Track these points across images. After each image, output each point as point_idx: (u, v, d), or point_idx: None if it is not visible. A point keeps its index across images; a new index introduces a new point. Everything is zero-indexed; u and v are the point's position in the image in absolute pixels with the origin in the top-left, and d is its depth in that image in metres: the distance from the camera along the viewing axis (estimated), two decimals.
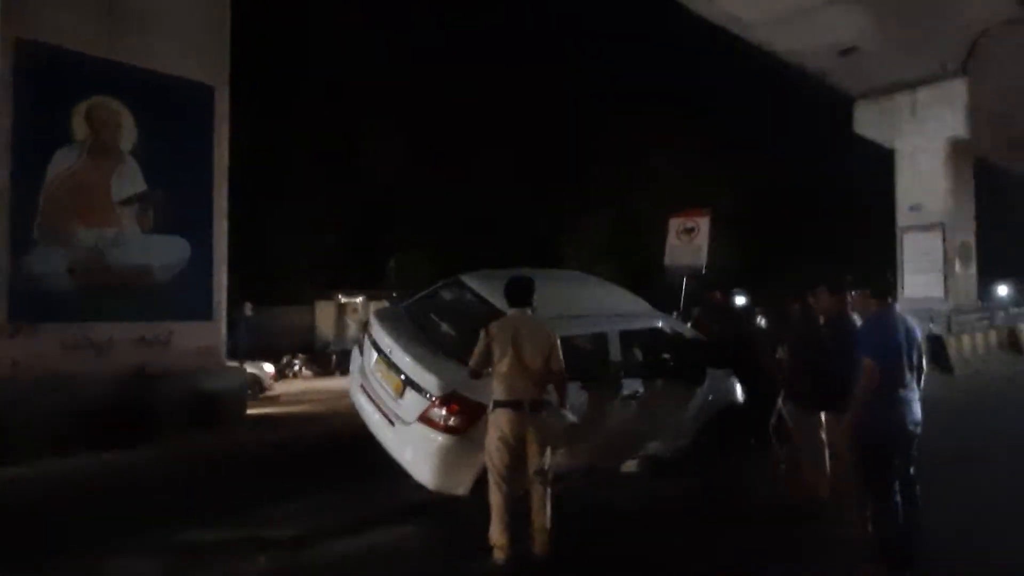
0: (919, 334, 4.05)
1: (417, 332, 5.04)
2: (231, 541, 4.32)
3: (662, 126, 28.02)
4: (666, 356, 5.66)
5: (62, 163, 7.26)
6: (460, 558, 4.17)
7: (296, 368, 18.29)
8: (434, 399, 4.29)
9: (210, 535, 4.41)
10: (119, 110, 7.59)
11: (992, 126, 18.46)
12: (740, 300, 17.37)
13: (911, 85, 18.37)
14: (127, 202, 7.67)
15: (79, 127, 7.37)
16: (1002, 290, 31.70)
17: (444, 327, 5.15)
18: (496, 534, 3.97)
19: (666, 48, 31.68)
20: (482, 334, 4.13)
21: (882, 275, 4.35)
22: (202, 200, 8.27)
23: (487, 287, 5.26)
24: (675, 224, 8.49)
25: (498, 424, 4.02)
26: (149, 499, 5.22)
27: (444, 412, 4.26)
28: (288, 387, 13.81)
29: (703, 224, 8.29)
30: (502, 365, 4.02)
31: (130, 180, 7.68)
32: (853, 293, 4.50)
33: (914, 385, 3.92)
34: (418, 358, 4.57)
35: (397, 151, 26.41)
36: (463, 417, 4.26)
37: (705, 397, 5.84)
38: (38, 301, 7.08)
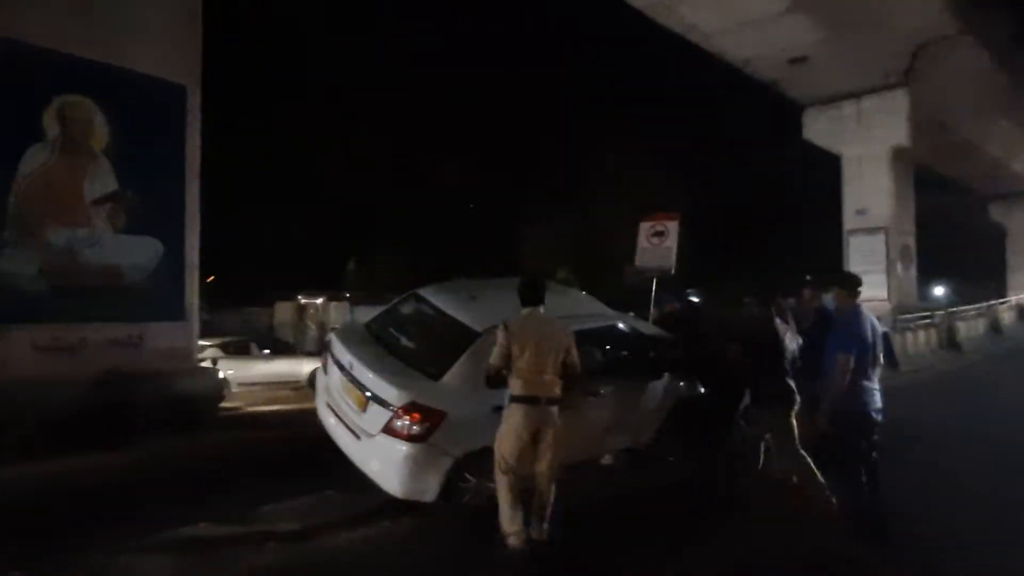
0: (880, 331, 4.44)
1: (377, 347, 5.19)
2: (235, 536, 4.39)
3: (620, 132, 28.63)
4: (623, 353, 5.87)
5: (33, 162, 7.16)
6: (465, 546, 4.35)
7: None
8: (396, 410, 4.42)
9: (213, 531, 4.47)
10: (91, 108, 7.52)
11: (931, 134, 19.46)
12: (693, 300, 17.87)
13: (856, 94, 19.21)
14: (99, 201, 7.59)
15: (51, 125, 7.27)
16: (938, 290, 33.42)
17: (403, 340, 5.30)
18: (506, 522, 4.11)
19: (626, 56, 32.31)
20: (500, 332, 4.22)
21: (855, 276, 4.71)
22: (174, 200, 8.24)
23: (443, 299, 5.46)
24: (645, 228, 8.80)
25: (514, 419, 4.13)
26: (139, 499, 5.22)
27: (406, 421, 4.38)
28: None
29: (672, 228, 8.64)
30: (520, 362, 4.12)
31: (102, 179, 7.61)
32: (828, 291, 4.85)
33: (875, 377, 4.30)
34: (378, 371, 4.71)
35: (359, 156, 26.31)
36: (425, 425, 4.40)
37: (665, 390, 6.03)
38: (9, 302, 6.98)
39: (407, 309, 5.79)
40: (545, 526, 4.18)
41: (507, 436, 4.15)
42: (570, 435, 5.11)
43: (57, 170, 7.32)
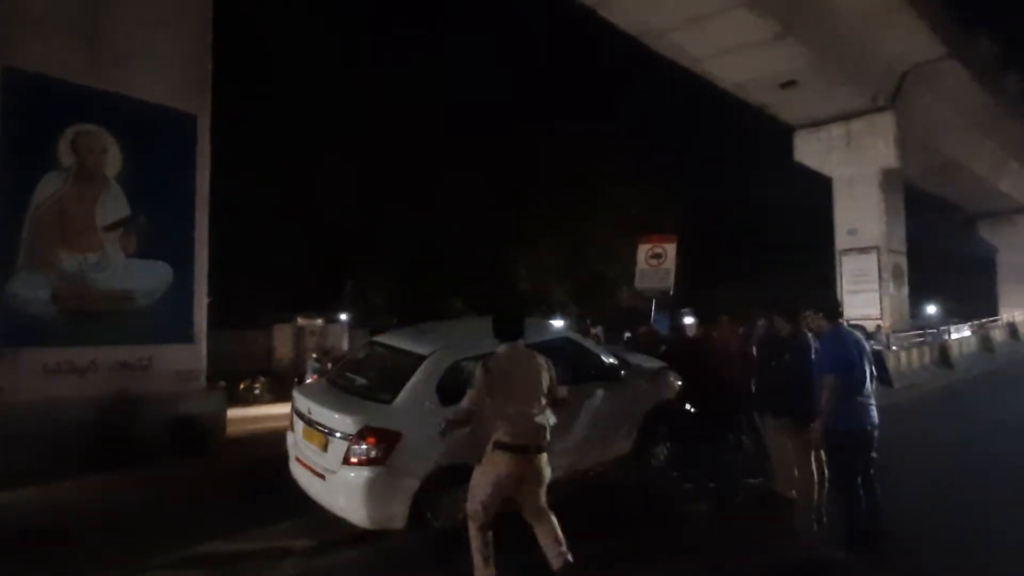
0: (867, 347, 4.63)
1: (334, 390, 5.44)
2: (253, 553, 4.54)
3: (613, 153, 29.01)
4: (574, 361, 5.74)
5: (47, 189, 7.35)
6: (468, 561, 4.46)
7: (256, 392, 18.17)
8: (351, 437, 4.54)
9: (230, 548, 4.61)
10: (104, 137, 7.72)
11: (920, 155, 19.87)
12: (689, 320, 18.13)
13: (846, 117, 19.61)
14: (111, 227, 7.76)
15: (65, 154, 7.47)
16: (931, 309, 33.74)
17: (359, 380, 5.51)
18: (479, 567, 3.91)
19: (619, 81, 32.86)
20: (479, 370, 4.00)
21: (832, 298, 4.91)
22: (183, 225, 8.40)
23: (394, 337, 5.80)
24: (644, 250, 9.04)
25: (496, 468, 3.88)
26: (153, 519, 5.37)
27: (363, 446, 4.50)
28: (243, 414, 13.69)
29: (670, 250, 8.89)
30: (507, 405, 3.89)
31: (114, 206, 7.79)
32: (808, 314, 5.03)
33: (870, 392, 4.48)
34: (332, 407, 4.91)
35: (355, 177, 26.56)
36: (381, 447, 4.50)
37: (632, 393, 6.07)
38: (21, 326, 7.11)
39: (363, 354, 6.11)
40: (563, 549, 3.97)
41: (484, 485, 3.90)
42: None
43: (70, 197, 7.50)
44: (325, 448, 4.77)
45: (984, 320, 23.33)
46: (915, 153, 19.54)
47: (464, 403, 3.99)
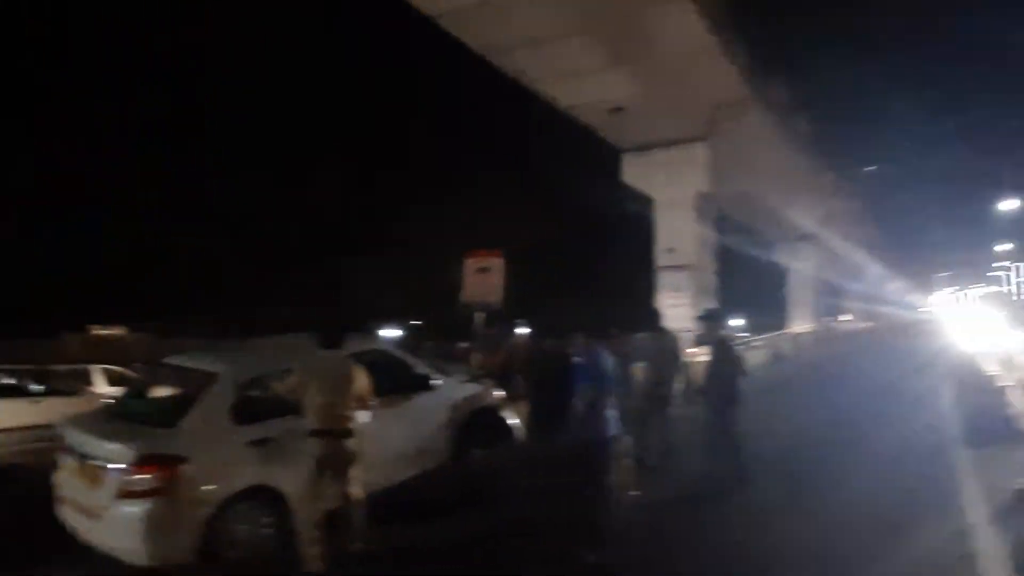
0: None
1: (109, 419, 4.94)
2: None
3: (460, 168, 29.22)
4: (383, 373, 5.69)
5: None
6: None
7: None
8: (131, 467, 4.14)
9: None
10: None
11: (727, 184, 21.96)
12: (522, 330, 18.54)
13: (666, 144, 21.20)
14: None
15: None
16: (737, 322, 37.47)
17: (140, 406, 5.14)
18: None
19: (462, 99, 33.13)
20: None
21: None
22: None
23: (184, 358, 5.42)
24: (470, 264, 9.07)
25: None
26: None
27: (143, 477, 4.10)
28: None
29: (496, 264, 8.97)
30: (316, 398, 4.57)
31: None
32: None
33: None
34: (105, 437, 4.42)
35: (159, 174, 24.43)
36: (164, 475, 4.12)
37: (447, 402, 6.13)
38: None
39: (149, 379, 5.75)
40: (318, 552, 4.35)
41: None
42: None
43: None
44: (98, 483, 4.23)
45: (775, 333, 26.23)
46: (723, 182, 21.53)
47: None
